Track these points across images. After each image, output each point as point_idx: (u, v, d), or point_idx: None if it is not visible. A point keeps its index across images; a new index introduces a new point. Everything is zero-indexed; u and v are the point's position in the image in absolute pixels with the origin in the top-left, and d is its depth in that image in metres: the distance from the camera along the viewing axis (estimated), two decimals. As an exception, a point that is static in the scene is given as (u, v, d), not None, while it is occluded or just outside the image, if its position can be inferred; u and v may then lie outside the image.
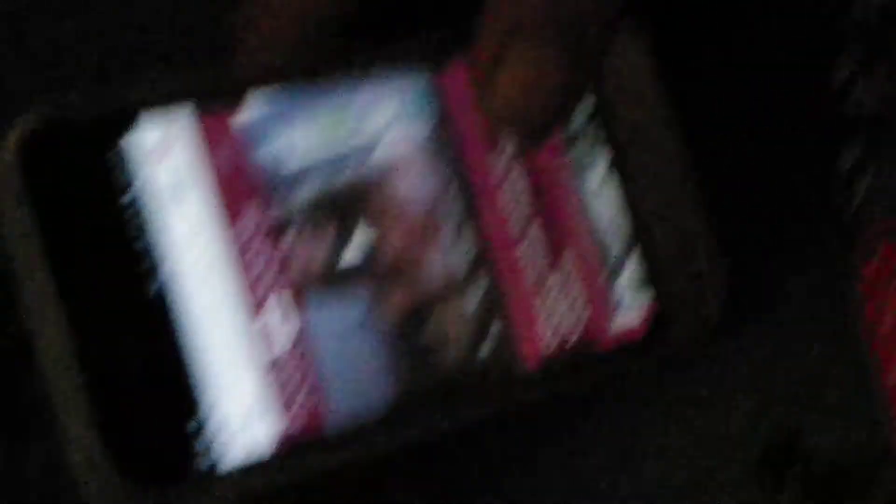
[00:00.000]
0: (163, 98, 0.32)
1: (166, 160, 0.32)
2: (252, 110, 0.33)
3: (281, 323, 0.33)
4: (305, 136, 0.33)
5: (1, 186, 0.30)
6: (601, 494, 0.38)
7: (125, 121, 0.31)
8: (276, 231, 0.33)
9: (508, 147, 0.35)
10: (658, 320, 0.36)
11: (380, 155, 0.34)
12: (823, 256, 0.39)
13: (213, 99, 0.32)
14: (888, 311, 0.37)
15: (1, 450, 0.36)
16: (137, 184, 0.31)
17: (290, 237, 0.33)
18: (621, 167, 0.36)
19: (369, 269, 0.34)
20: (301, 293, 0.33)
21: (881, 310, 0.38)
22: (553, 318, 0.35)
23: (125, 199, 0.31)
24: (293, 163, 0.33)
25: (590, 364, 0.36)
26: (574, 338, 0.36)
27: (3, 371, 0.37)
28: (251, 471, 0.32)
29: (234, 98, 0.33)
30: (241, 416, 0.32)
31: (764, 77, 0.40)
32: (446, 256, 0.35)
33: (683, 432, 0.38)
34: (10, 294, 0.31)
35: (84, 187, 0.31)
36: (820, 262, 0.39)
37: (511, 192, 0.35)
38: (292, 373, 0.32)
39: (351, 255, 0.34)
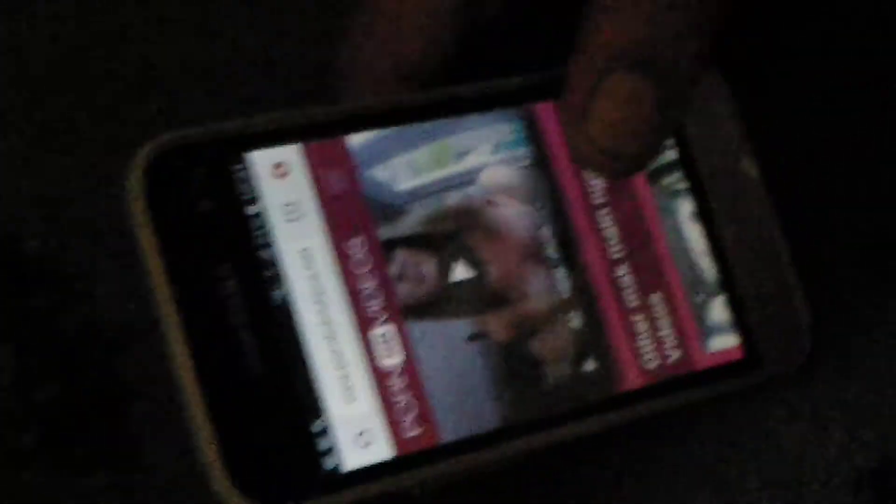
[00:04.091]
0: (275, 130, 0.34)
1: (282, 181, 0.34)
2: (360, 139, 0.35)
3: (392, 337, 0.34)
4: (410, 165, 0.35)
5: (131, 205, 0.32)
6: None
7: (243, 145, 0.33)
8: (386, 252, 0.34)
9: (600, 182, 0.37)
10: (750, 348, 0.38)
11: (482, 185, 0.36)
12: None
13: (322, 133, 0.35)
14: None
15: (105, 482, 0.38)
16: (257, 202, 0.33)
17: (398, 258, 0.35)
18: (705, 210, 0.38)
19: (475, 290, 0.35)
20: (410, 309, 0.34)
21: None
22: (650, 340, 0.37)
23: (246, 214, 0.33)
24: (400, 190, 0.35)
25: (685, 384, 0.37)
26: (671, 360, 0.37)
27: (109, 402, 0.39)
28: (370, 476, 0.33)
29: (342, 131, 0.35)
30: (358, 423, 0.33)
31: (832, 111, 0.42)
32: (548, 280, 0.36)
33: (779, 458, 0.39)
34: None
35: (207, 205, 0.33)
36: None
37: (605, 223, 0.37)
38: (404, 384, 0.34)
39: (457, 276, 0.35)
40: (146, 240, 0.32)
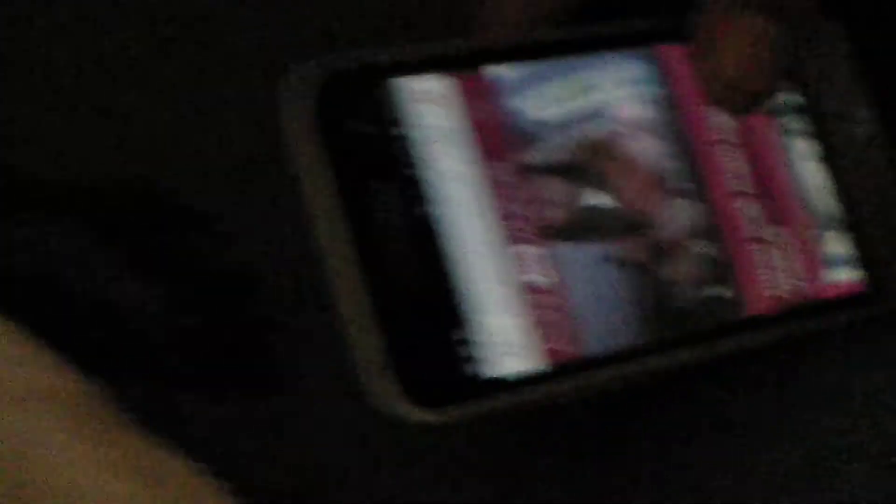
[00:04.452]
0: (428, 60, 0.36)
1: (434, 107, 0.36)
2: (502, 71, 0.37)
3: (536, 256, 0.36)
4: (548, 97, 0.37)
5: (298, 126, 0.34)
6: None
7: (394, 70, 0.35)
8: (528, 173, 0.36)
9: (725, 115, 0.39)
10: (871, 281, 0.39)
11: (613, 118, 0.38)
12: None
13: (469, 65, 0.36)
14: None
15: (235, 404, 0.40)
16: (408, 121, 0.35)
17: (538, 182, 0.36)
18: (828, 150, 0.40)
19: (610, 216, 0.37)
20: (551, 230, 0.36)
21: None
22: (774, 268, 0.38)
23: (400, 136, 0.35)
24: (539, 117, 0.37)
25: (809, 312, 0.38)
26: (795, 288, 0.38)
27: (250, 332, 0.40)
28: (521, 384, 0.34)
29: (486, 63, 0.37)
30: (507, 333, 0.35)
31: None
32: (678, 209, 0.38)
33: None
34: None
35: (366, 128, 0.35)
36: None
37: (729, 154, 0.39)
38: (549, 299, 0.36)
39: (592, 202, 0.37)
40: (313, 160, 0.34)
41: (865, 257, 0.39)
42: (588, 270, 0.36)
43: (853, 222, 0.40)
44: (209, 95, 0.43)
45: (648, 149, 0.38)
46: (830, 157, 0.40)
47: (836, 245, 0.40)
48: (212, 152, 0.43)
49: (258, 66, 0.43)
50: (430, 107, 0.36)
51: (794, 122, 0.40)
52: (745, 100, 0.38)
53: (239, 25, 0.44)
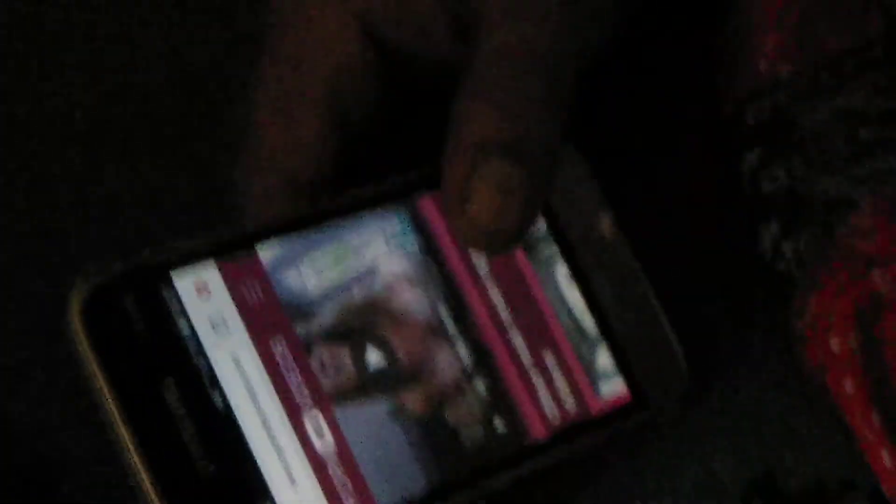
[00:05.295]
0: (192, 255, 0.38)
1: (205, 298, 0.38)
2: (268, 250, 0.39)
3: (321, 423, 0.38)
4: (316, 267, 0.39)
5: (74, 341, 0.36)
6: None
7: (165, 272, 0.37)
8: (305, 347, 0.38)
9: (483, 259, 0.42)
10: (636, 389, 0.42)
11: (380, 275, 0.40)
12: (766, 313, 0.45)
13: (233, 251, 0.38)
14: (829, 348, 0.43)
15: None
16: (183, 313, 0.37)
17: (317, 352, 0.38)
18: (577, 271, 0.43)
19: (389, 372, 0.39)
20: (334, 396, 0.38)
21: (823, 351, 0.43)
22: (548, 393, 0.41)
23: (174, 326, 0.37)
24: (313, 287, 0.39)
25: (585, 429, 0.41)
26: (569, 409, 0.41)
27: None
28: None
29: (250, 247, 0.39)
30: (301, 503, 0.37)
31: (683, 179, 0.47)
32: (450, 353, 0.40)
33: (674, 482, 0.44)
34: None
35: (141, 328, 0.37)
36: (765, 318, 0.45)
37: (493, 295, 0.41)
38: (338, 462, 0.38)
39: (371, 361, 0.39)
40: (94, 369, 0.36)
41: (626, 368, 0.42)
42: (373, 428, 0.39)
43: (610, 336, 0.43)
44: None
45: (418, 299, 0.40)
46: (582, 277, 0.43)
47: (600, 360, 0.42)
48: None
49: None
50: (203, 298, 0.38)
51: (543, 248, 0.43)
52: (499, 243, 0.39)
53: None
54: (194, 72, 0.48)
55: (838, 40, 0.45)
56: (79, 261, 0.38)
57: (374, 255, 0.40)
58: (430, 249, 0.41)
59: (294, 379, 0.38)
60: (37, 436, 0.44)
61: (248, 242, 0.39)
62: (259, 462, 0.37)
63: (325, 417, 0.38)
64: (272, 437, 0.37)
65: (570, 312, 0.42)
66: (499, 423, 0.40)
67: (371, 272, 0.40)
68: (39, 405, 0.45)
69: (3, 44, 0.49)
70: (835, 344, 0.41)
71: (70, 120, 0.48)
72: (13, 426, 0.44)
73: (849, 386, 0.40)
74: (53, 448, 0.44)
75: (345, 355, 0.39)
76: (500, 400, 0.40)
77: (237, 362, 0.37)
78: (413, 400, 0.39)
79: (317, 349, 0.39)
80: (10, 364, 0.45)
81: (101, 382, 0.35)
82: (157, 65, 0.48)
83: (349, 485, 0.38)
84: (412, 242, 0.41)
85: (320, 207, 0.40)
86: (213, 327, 0.37)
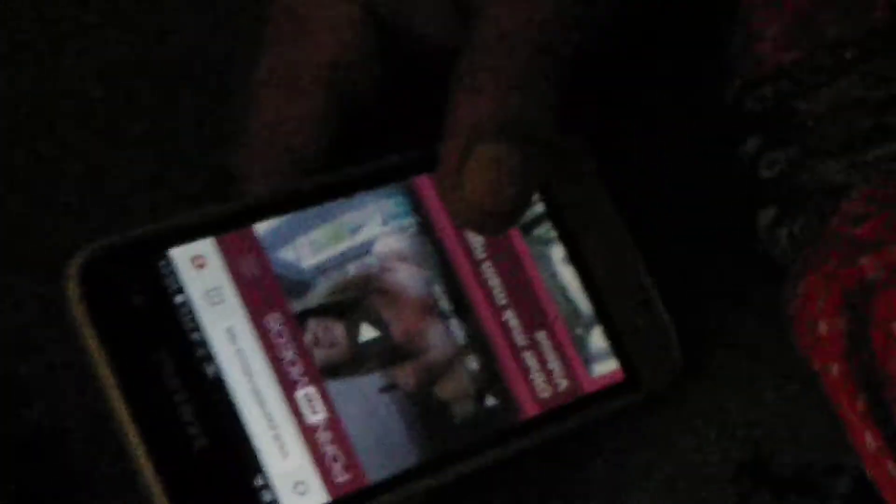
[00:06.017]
0: (189, 228, 0.39)
1: (202, 271, 0.38)
2: (265, 226, 0.39)
3: (314, 397, 0.39)
4: (312, 244, 0.40)
5: (71, 310, 0.36)
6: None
7: (165, 244, 0.38)
8: (299, 322, 0.39)
9: (480, 239, 0.42)
10: (628, 370, 0.43)
11: (376, 254, 0.41)
12: (761, 296, 0.45)
13: (230, 225, 0.39)
14: (817, 332, 0.43)
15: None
16: (180, 287, 0.38)
17: (311, 327, 0.39)
18: (575, 254, 0.43)
19: (381, 347, 0.40)
20: (327, 370, 0.39)
21: (812, 335, 0.44)
22: (540, 373, 0.42)
23: (174, 303, 0.38)
24: (309, 263, 0.40)
25: (576, 408, 0.42)
26: (561, 388, 0.42)
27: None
28: None
29: (247, 221, 0.39)
30: (293, 476, 0.38)
31: (683, 163, 0.47)
32: (444, 331, 0.41)
33: (664, 462, 0.44)
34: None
35: (139, 300, 0.37)
36: (759, 301, 0.45)
37: (488, 274, 0.42)
38: (330, 436, 0.38)
39: (364, 337, 0.40)
40: (89, 338, 0.36)
41: (620, 349, 0.43)
42: (365, 402, 0.39)
43: (604, 317, 0.43)
44: None
45: (413, 277, 0.41)
46: (576, 258, 0.43)
47: (594, 341, 0.43)
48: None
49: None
50: (199, 271, 0.38)
51: (541, 230, 0.43)
52: (494, 224, 0.40)
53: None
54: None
55: (840, 29, 0.45)
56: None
57: (370, 233, 0.41)
58: (426, 229, 0.42)
59: (288, 352, 0.39)
60: (43, 399, 0.45)
61: (245, 217, 0.40)
62: (251, 434, 0.37)
63: (318, 391, 0.39)
64: (265, 410, 0.38)
65: (564, 293, 0.43)
66: (491, 400, 0.41)
67: (367, 250, 0.41)
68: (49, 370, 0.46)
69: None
70: (823, 328, 0.41)
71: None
72: (22, 389, 0.45)
73: (835, 370, 0.40)
74: (57, 418, 0.45)
75: (339, 330, 0.40)
76: (492, 377, 0.41)
77: (232, 335, 0.38)
78: (405, 375, 0.40)
79: (311, 324, 0.39)
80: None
81: (95, 351, 0.36)
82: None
83: (341, 458, 0.38)
84: (409, 221, 0.42)
85: (318, 181, 0.41)
86: (209, 300, 0.38)
